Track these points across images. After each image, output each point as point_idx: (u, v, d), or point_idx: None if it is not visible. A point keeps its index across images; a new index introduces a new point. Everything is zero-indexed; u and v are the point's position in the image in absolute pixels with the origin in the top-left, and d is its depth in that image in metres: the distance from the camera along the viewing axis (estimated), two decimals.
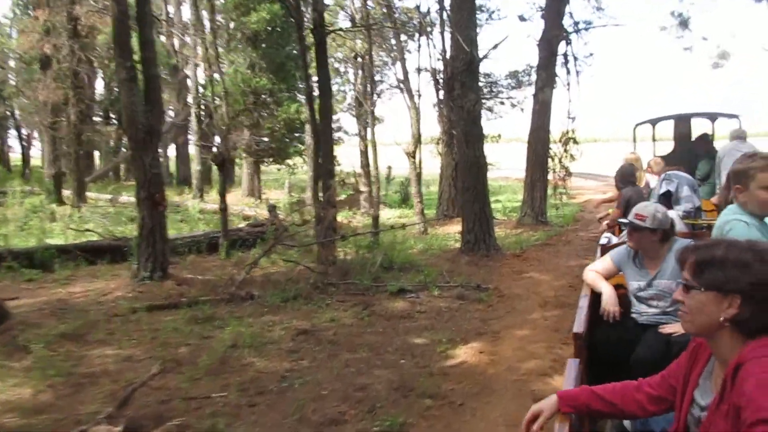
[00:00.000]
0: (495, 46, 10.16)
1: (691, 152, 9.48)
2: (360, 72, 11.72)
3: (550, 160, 13.32)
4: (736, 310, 1.57)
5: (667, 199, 5.78)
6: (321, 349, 5.57)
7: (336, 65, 16.75)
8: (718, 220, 2.82)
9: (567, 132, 13.57)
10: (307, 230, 10.04)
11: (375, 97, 14.68)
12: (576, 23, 13.40)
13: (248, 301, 7.15)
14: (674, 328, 3.00)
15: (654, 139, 10.72)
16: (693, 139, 10.02)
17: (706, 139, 9.52)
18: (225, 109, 12.36)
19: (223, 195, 9.78)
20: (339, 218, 13.60)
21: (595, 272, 3.51)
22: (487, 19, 15.24)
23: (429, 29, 13.49)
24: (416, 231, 12.36)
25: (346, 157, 18.58)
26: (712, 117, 10.43)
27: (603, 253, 3.89)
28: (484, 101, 16.77)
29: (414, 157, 12.14)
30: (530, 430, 1.88)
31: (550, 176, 13.51)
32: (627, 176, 6.33)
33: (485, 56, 10.09)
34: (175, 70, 22.26)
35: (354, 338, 5.86)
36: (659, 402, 1.87)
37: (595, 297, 3.39)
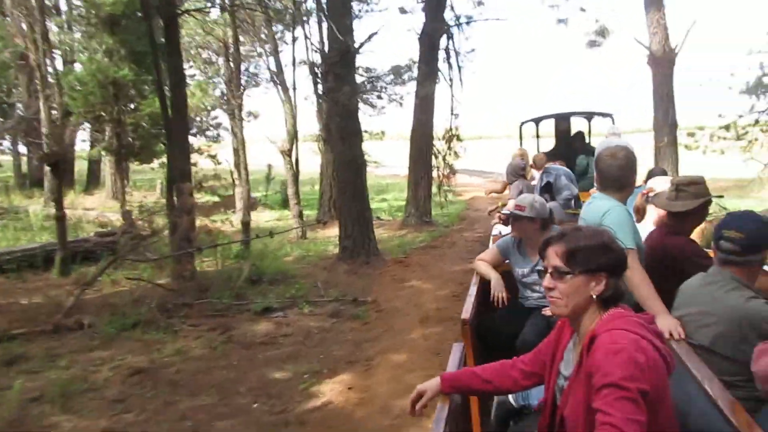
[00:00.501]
0: (371, 36, 9.43)
1: (571, 148, 10.17)
2: (228, 62, 10.53)
3: (433, 157, 12.87)
4: (603, 287, 1.77)
5: (549, 191, 6.20)
6: (156, 394, 4.52)
7: (207, 54, 15.26)
8: (589, 206, 3.03)
9: (450, 129, 13.18)
10: (166, 240, 8.80)
11: (243, 90, 13.46)
12: (457, 17, 13.03)
13: (77, 332, 5.90)
14: None
15: (537, 137, 11.34)
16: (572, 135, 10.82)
17: (581, 137, 10.29)
18: (58, 100, 10.68)
19: (59, 200, 8.29)
20: (211, 223, 12.57)
21: (484, 261, 3.72)
22: (364, 10, 14.48)
23: (305, 18, 12.57)
24: (294, 236, 11.40)
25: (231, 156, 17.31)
26: (589, 116, 11.07)
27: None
28: (366, 96, 16.10)
29: (290, 156, 11.17)
30: (415, 409, 2.06)
31: (434, 174, 13.08)
32: (517, 170, 6.65)
33: (361, 46, 9.34)
34: (22, 57, 19.59)
35: (201, 377, 4.86)
36: (532, 377, 2.04)
37: (485, 285, 3.58)
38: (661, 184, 3.57)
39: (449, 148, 13.19)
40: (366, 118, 18.11)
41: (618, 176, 2.95)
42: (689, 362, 2.09)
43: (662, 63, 8.50)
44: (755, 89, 9.12)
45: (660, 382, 1.64)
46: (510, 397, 2.66)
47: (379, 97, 16.15)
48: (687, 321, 2.41)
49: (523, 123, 11.15)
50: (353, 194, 8.71)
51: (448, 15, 12.71)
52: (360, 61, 14.29)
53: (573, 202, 6.10)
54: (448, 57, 12.91)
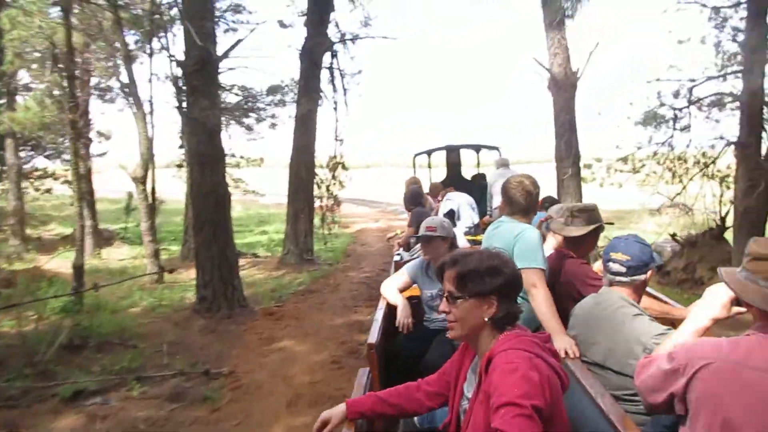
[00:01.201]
0: (236, 44, 8.00)
1: (461, 177, 11.12)
2: (58, 69, 8.59)
3: (316, 187, 11.54)
4: (494, 310, 1.85)
5: (451, 218, 6.29)
6: None
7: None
8: (498, 229, 3.19)
9: (335, 156, 11.95)
10: None
11: (83, 106, 11.43)
12: (342, 34, 11.90)
13: None
14: None
15: (429, 167, 11.96)
16: (463, 168, 11.74)
17: (482, 176, 10.62)
18: None
19: None
20: (47, 265, 10.34)
21: (392, 286, 3.72)
22: (239, 21, 12.97)
23: (168, 26, 10.87)
24: (148, 279, 9.51)
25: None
26: (477, 148, 11.84)
27: (397, 269, 4.14)
28: (242, 119, 14.50)
29: (143, 183, 9.35)
30: None
31: (317, 205, 11.76)
32: (417, 197, 6.60)
33: (225, 55, 7.85)
34: None
35: None
36: (437, 397, 2.10)
37: (392, 309, 3.58)
38: (558, 211, 3.63)
39: (334, 177, 11.94)
40: (243, 142, 16.49)
41: (525, 202, 3.16)
42: (583, 379, 2.19)
43: (563, 86, 7.83)
44: (652, 119, 8.70)
45: (555, 398, 1.70)
46: (416, 419, 2.69)
47: (258, 120, 14.59)
48: (581, 340, 2.55)
49: (416, 154, 11.62)
50: (213, 233, 7.14)
51: (332, 31, 11.58)
52: (236, 78, 12.79)
53: (473, 229, 6.40)
54: (332, 77, 11.73)
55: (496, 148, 11.14)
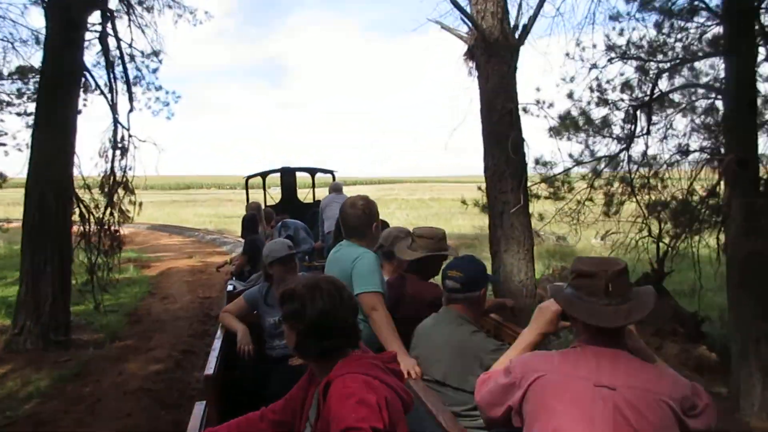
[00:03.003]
0: None
1: (296, 201, 11.00)
2: None
3: (79, 218, 7.39)
4: (295, 339, 1.88)
5: None
6: None
7: None
8: (337, 253, 3.18)
9: (112, 173, 7.87)
10: None
11: None
12: None
13: None
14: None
15: (264, 189, 11.18)
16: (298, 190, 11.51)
17: (316, 203, 10.39)
18: None
19: None
20: None
21: (230, 313, 3.64)
22: None
23: None
24: None
25: None
26: (312, 171, 11.44)
27: (230, 301, 3.95)
28: None
29: None
30: None
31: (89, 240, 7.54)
32: (253, 224, 6.47)
33: None
34: None
35: None
36: (281, 425, 2.02)
37: (230, 337, 3.47)
38: (387, 238, 3.68)
39: (111, 204, 7.82)
40: None
41: (357, 224, 3.13)
42: (424, 398, 2.25)
43: (497, 52, 4.80)
44: (566, 127, 6.11)
45: (395, 419, 1.72)
46: None
47: None
48: (422, 359, 2.62)
49: (248, 177, 10.91)
50: None
51: None
52: None
53: (309, 254, 6.51)
54: (106, 53, 7.71)
55: (331, 172, 11.11)
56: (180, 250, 16.93)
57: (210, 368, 2.85)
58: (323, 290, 1.86)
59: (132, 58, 8.31)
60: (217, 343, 3.27)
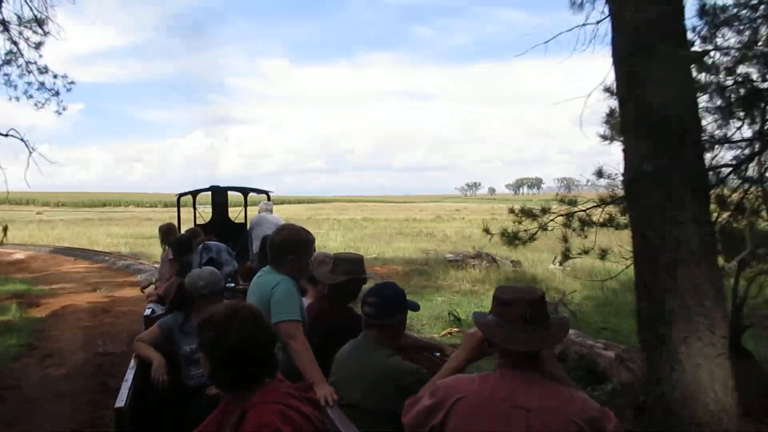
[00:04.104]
0: None
1: (226, 220, 10.53)
2: None
3: None
4: (210, 369, 1.87)
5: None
6: None
7: None
8: (259, 279, 3.21)
9: None
10: None
11: None
12: None
13: None
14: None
15: (195, 207, 10.72)
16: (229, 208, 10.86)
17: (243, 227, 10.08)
18: None
19: None
20: None
21: (145, 342, 3.52)
22: None
23: None
24: None
25: None
26: (245, 191, 11.06)
27: (147, 326, 3.90)
28: None
29: None
30: None
31: None
32: (186, 245, 5.90)
33: None
34: None
35: None
36: None
37: (145, 368, 3.34)
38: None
39: None
40: None
41: (277, 251, 3.16)
42: (340, 425, 2.29)
43: None
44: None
45: None
46: None
47: None
48: (340, 384, 2.66)
49: (180, 195, 10.51)
50: None
51: None
52: None
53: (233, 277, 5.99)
54: None
55: (266, 192, 10.88)
56: (83, 279, 14.16)
57: (121, 400, 2.81)
58: (241, 319, 1.86)
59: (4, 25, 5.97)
60: (129, 374, 3.20)
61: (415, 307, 2.87)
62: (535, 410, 1.72)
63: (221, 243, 6.67)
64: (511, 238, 5.66)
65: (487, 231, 5.19)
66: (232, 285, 5.74)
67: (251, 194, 11.02)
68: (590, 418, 1.72)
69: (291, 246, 3.13)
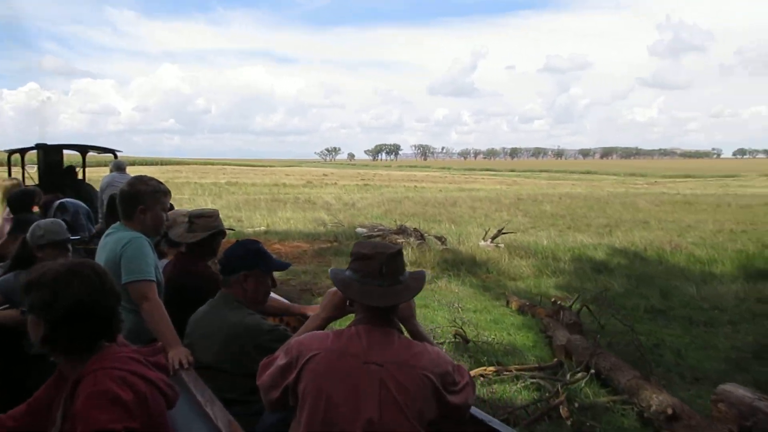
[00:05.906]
0: None
1: (58, 181, 9.38)
2: None
3: None
4: (42, 331, 1.64)
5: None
6: None
7: None
8: (109, 237, 2.93)
9: None
10: None
11: None
12: None
13: None
14: None
15: (23, 167, 10.24)
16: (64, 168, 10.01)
17: (72, 172, 9.57)
18: None
19: None
20: None
21: None
22: None
23: None
24: None
25: None
26: (83, 150, 10.55)
27: None
28: None
29: None
30: None
31: None
32: (27, 201, 5.66)
33: None
34: None
35: None
36: None
37: None
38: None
39: None
40: None
41: (128, 203, 2.94)
42: (194, 389, 2.17)
43: None
44: None
45: (154, 415, 1.62)
46: None
47: None
48: (196, 346, 2.52)
49: (11, 151, 10.17)
50: None
51: None
52: None
53: (88, 237, 5.89)
54: None
55: (112, 151, 10.36)
56: None
57: None
58: (79, 276, 1.67)
59: None
60: None
61: (282, 266, 2.73)
62: (387, 365, 1.72)
63: (81, 203, 6.31)
64: None
65: None
66: (78, 238, 5.27)
67: (91, 153, 10.47)
68: (442, 372, 1.75)
69: (141, 195, 2.92)
